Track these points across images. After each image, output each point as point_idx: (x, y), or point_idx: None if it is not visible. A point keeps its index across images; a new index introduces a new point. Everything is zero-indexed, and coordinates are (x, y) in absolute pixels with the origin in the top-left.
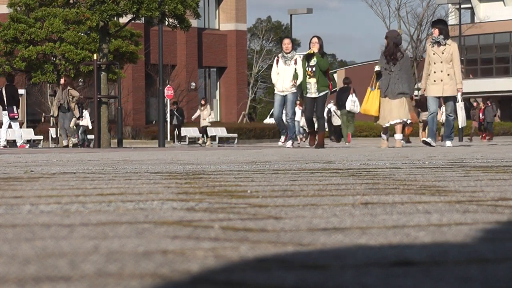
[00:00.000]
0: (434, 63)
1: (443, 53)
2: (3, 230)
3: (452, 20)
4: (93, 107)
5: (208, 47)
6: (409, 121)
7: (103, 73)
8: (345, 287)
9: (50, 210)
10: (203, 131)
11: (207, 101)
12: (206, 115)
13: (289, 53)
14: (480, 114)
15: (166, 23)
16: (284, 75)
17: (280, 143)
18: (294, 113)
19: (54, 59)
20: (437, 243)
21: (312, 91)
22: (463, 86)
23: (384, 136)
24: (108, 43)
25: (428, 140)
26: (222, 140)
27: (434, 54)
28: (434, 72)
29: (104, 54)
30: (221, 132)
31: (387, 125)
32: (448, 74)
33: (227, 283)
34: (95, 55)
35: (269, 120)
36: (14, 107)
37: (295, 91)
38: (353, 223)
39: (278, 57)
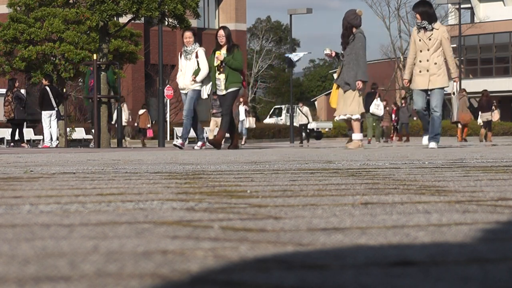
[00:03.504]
0: (420, 51)
1: (430, 39)
2: (3, 230)
3: (452, 20)
4: (92, 107)
5: (208, 47)
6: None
7: (102, 73)
8: (345, 287)
9: (50, 210)
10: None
11: (125, 101)
12: (125, 115)
13: (189, 47)
14: (393, 115)
15: (166, 23)
16: (185, 71)
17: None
18: (190, 111)
19: (54, 59)
20: (437, 243)
21: (222, 88)
22: (457, 75)
23: (350, 133)
24: (108, 43)
25: (432, 145)
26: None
27: (420, 40)
28: (420, 62)
29: (104, 54)
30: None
31: (337, 119)
32: (436, 63)
33: (227, 283)
34: (95, 55)
35: (268, 120)
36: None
37: (198, 88)
38: (353, 223)
39: (181, 51)
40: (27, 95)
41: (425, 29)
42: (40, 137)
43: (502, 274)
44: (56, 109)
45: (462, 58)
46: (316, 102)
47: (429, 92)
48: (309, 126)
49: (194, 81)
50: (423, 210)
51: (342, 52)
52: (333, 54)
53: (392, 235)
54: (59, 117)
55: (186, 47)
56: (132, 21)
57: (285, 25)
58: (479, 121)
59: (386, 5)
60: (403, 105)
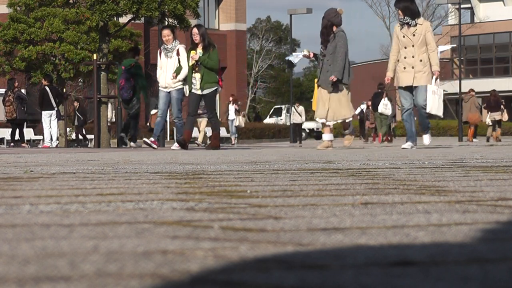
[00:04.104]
0: (405, 47)
1: (414, 35)
2: (3, 230)
3: (452, 20)
4: (92, 107)
5: None
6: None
7: (102, 73)
8: (345, 287)
9: (50, 210)
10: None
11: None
12: (109, 114)
13: (170, 45)
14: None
15: (166, 23)
16: (166, 69)
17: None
18: (180, 112)
19: (54, 59)
20: (437, 243)
21: (197, 87)
22: (439, 69)
23: (326, 136)
24: (108, 43)
25: (406, 145)
26: (222, 140)
27: (404, 37)
28: (405, 58)
29: (104, 54)
30: (221, 132)
31: (323, 121)
32: (421, 60)
33: (227, 283)
34: (95, 55)
35: (268, 120)
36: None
37: (180, 87)
38: (353, 223)
39: (160, 49)
40: (27, 95)
41: (408, 24)
42: (40, 137)
43: (502, 274)
44: (56, 109)
45: (462, 58)
46: None
47: (413, 90)
48: (309, 126)
49: (174, 78)
50: (423, 210)
51: (321, 51)
52: (311, 56)
53: (392, 235)
54: (59, 117)
55: (166, 45)
56: (132, 21)
57: (285, 25)
58: (487, 120)
59: (386, 5)
60: None
